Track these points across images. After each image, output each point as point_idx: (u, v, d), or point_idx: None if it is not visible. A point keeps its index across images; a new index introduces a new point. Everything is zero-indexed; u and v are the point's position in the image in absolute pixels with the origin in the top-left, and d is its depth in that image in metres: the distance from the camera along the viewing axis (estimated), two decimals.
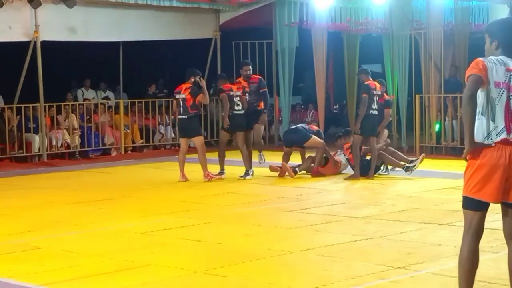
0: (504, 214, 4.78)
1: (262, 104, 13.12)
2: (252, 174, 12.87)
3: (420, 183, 11.59)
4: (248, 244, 7.53)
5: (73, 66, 19.41)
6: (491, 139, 4.63)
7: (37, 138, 15.55)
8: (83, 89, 18.64)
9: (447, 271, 5.99)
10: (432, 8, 15.94)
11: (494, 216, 8.17)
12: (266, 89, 13.26)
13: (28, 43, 15.47)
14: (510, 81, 4.64)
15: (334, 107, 24.12)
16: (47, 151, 15.73)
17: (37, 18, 15.33)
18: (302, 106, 21.51)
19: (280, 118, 19.12)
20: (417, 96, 15.95)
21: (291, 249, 7.14)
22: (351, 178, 12.23)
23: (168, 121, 18.12)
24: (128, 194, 11.32)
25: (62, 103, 16.32)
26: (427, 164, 12.87)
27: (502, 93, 4.62)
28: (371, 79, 12.52)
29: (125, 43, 18.39)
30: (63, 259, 6.98)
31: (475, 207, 4.69)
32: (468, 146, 4.64)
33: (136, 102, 17.50)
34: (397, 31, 16.44)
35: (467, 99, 4.60)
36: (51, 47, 15.80)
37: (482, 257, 6.37)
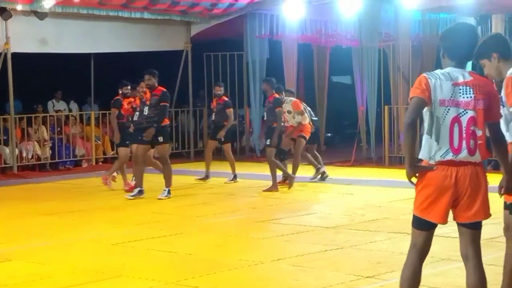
0: (460, 233, 4.61)
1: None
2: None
3: (389, 193, 11.72)
4: (219, 254, 7.58)
5: (44, 78, 19.35)
6: (434, 160, 4.43)
7: (7, 150, 15.48)
8: (53, 100, 18.59)
9: None
10: (400, 20, 16.15)
11: None
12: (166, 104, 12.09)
13: None
14: (457, 97, 4.40)
15: None
16: (17, 163, 15.66)
17: (7, 30, 15.27)
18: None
19: (251, 129, 19.21)
20: (386, 107, 16.13)
21: (262, 259, 7.19)
22: (270, 189, 12.28)
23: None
24: (99, 205, 11.32)
25: (33, 115, 16.26)
26: (396, 174, 13.03)
27: (447, 112, 4.39)
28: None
29: (96, 55, 18.38)
30: (34, 271, 6.98)
31: (421, 226, 4.52)
32: (408, 169, 4.47)
33: (107, 114, 17.49)
34: (366, 43, 16.61)
35: (407, 127, 4.43)
36: (22, 59, 15.76)
37: (451, 266, 6.55)
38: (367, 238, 8.12)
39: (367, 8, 15.80)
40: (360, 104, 16.86)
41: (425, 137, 4.47)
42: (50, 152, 16.23)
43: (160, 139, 11.81)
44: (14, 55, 15.51)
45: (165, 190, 11.85)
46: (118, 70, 19.54)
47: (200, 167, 16.54)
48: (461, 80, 4.42)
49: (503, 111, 4.84)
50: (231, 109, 13.87)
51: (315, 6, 16.64)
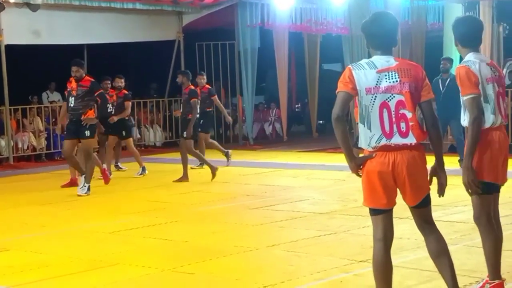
0: (412, 213, 4.68)
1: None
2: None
3: None
4: (214, 241, 7.64)
5: (38, 69, 19.37)
6: (371, 146, 4.48)
7: (2, 141, 15.55)
8: (47, 91, 18.64)
9: (408, 263, 6.20)
10: (389, 7, 16.21)
11: (453, 209, 8.51)
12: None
13: None
14: (382, 83, 4.45)
15: (296, 106, 24.38)
16: (13, 153, 15.74)
17: (0, 22, 15.34)
18: (265, 106, 21.76)
19: (243, 118, 19.31)
20: None
21: (257, 246, 7.27)
22: (181, 180, 12.36)
23: (133, 122, 18.17)
24: (94, 194, 11.37)
25: (28, 106, 16.32)
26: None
27: (374, 99, 4.43)
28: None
29: (90, 46, 18.42)
30: (31, 260, 7.03)
31: (373, 212, 4.58)
32: (348, 163, 4.56)
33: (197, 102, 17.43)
34: (356, 31, 16.70)
35: (334, 122, 4.46)
36: (16, 50, 15.81)
37: None
38: (360, 223, 8.17)
39: None
40: None
41: (360, 127, 4.54)
42: (46, 142, 16.30)
43: (87, 133, 11.20)
44: (8, 47, 15.55)
45: (85, 186, 11.21)
46: (111, 60, 19.61)
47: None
48: (385, 66, 4.46)
49: (461, 99, 5.02)
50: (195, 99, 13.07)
51: None
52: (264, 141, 19.40)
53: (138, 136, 18.18)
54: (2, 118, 15.65)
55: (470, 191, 5.00)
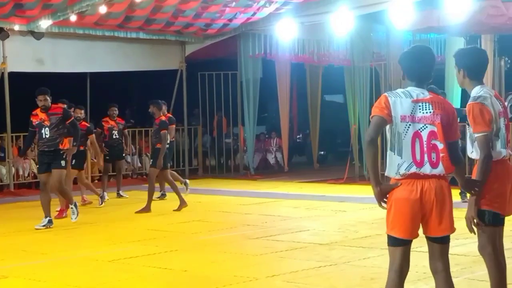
0: (429, 247, 4.67)
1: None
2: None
3: (382, 210, 11.75)
4: (214, 271, 7.63)
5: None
6: (399, 174, 4.51)
7: (3, 169, 15.57)
8: None
9: None
10: (391, 40, 16.36)
11: (454, 241, 8.45)
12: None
13: None
14: (417, 112, 4.52)
15: (298, 136, 24.43)
16: (14, 180, 15.75)
17: (4, 49, 15.48)
18: (266, 136, 21.81)
19: (245, 148, 19.34)
20: None
21: (257, 276, 7.26)
22: (142, 211, 12.29)
23: (134, 151, 18.24)
24: (95, 222, 11.39)
25: None
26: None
27: (408, 127, 4.50)
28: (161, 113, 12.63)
29: (92, 74, 18.53)
30: None
31: (394, 243, 4.57)
32: (374, 188, 4.57)
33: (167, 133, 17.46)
34: (358, 63, 16.80)
35: (367, 145, 4.57)
36: (19, 78, 15.91)
37: None
38: (360, 255, 8.18)
39: (358, 28, 16.00)
40: (353, 122, 17.02)
41: (389, 154, 4.58)
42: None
43: (62, 163, 10.73)
44: (11, 74, 15.67)
45: (45, 219, 10.75)
46: (114, 89, 19.71)
47: (194, 185, 16.67)
48: (420, 97, 4.55)
49: (468, 130, 5.07)
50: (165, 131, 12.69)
51: (308, 26, 16.84)
52: (265, 171, 19.41)
53: (139, 164, 18.21)
54: (3, 145, 15.68)
55: (467, 226, 5.03)
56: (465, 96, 15.85)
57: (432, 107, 4.52)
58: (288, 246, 8.91)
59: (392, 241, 4.58)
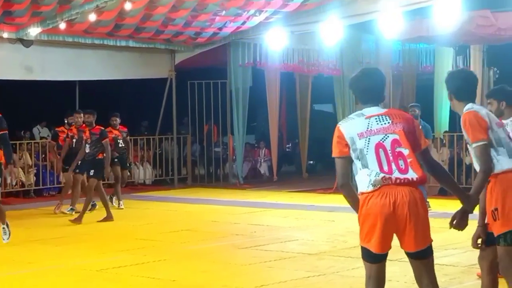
0: (410, 263, 4.57)
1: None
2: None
3: None
4: (203, 280, 7.63)
5: (30, 104, 19.42)
6: (371, 184, 4.41)
7: None
8: (38, 127, 18.64)
9: None
10: (381, 50, 16.43)
11: (442, 252, 8.51)
12: None
13: None
14: (374, 126, 4.48)
15: (287, 145, 24.46)
16: (2, 189, 15.64)
17: None
18: (256, 145, 21.81)
19: (234, 157, 19.34)
20: None
21: (246, 285, 7.27)
22: (105, 219, 12.26)
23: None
24: (83, 231, 11.35)
25: (17, 142, 16.30)
26: None
27: (369, 141, 4.45)
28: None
29: (82, 82, 18.49)
30: None
31: (367, 258, 4.51)
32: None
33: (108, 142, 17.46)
34: (348, 72, 16.80)
35: (341, 188, 4.55)
36: (8, 85, 15.86)
37: None
38: (349, 265, 8.19)
39: (348, 38, 16.05)
40: None
41: (358, 174, 4.50)
42: (35, 178, 16.24)
43: None
44: (0, 82, 15.62)
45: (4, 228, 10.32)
46: (103, 97, 19.66)
47: (184, 194, 16.68)
48: (374, 113, 4.55)
49: (469, 147, 5.03)
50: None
51: (298, 36, 16.87)
52: (254, 181, 19.41)
53: (128, 174, 18.13)
54: None
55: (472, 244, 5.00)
56: None
57: (389, 118, 4.52)
58: (277, 256, 8.92)
59: (367, 257, 4.51)
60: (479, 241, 5.25)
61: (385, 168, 4.40)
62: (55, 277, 7.97)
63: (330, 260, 8.58)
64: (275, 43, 16.92)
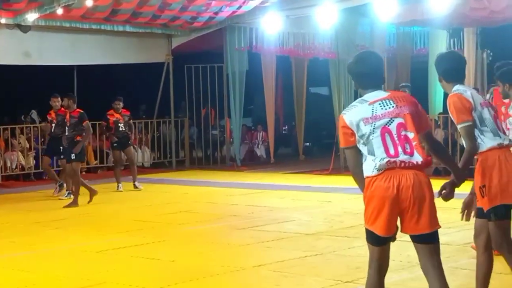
0: (415, 248, 4.50)
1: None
2: None
3: None
4: (201, 261, 7.70)
5: (29, 90, 19.47)
6: (376, 168, 4.37)
7: None
8: (37, 110, 18.72)
9: (393, 285, 6.19)
10: (376, 33, 16.49)
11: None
12: None
13: None
14: (378, 111, 4.44)
15: (283, 128, 24.56)
16: (1, 173, 15.79)
17: None
18: (252, 128, 21.92)
19: (231, 139, 19.45)
20: None
21: (244, 266, 7.34)
22: (70, 205, 12.20)
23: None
24: (83, 213, 11.46)
25: (17, 126, 16.39)
26: None
27: (374, 126, 4.40)
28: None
29: (80, 67, 18.55)
30: (18, 279, 7.07)
31: (372, 240, 4.48)
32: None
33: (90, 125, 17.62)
34: (343, 55, 16.88)
35: (353, 176, 4.56)
36: (6, 71, 15.93)
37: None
38: (346, 244, 8.26)
39: (343, 21, 16.10)
40: (338, 114, 17.15)
41: (365, 161, 4.48)
42: (34, 162, 16.35)
43: None
44: None
45: None
46: (101, 82, 19.73)
47: (181, 176, 16.80)
48: (377, 97, 4.49)
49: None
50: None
51: (293, 20, 16.92)
52: (251, 163, 19.53)
53: (133, 152, 18.27)
54: None
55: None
56: None
57: (393, 101, 4.46)
58: (275, 236, 9.00)
59: (371, 239, 4.48)
60: (473, 213, 5.32)
61: (391, 151, 4.37)
62: (56, 259, 8.03)
63: (327, 240, 8.64)
64: (270, 27, 16.99)
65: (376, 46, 16.31)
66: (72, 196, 12.56)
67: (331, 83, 17.79)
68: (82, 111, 12.70)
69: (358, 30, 17.34)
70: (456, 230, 8.62)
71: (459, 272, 6.59)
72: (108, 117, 14.53)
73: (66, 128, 12.65)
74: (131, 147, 14.95)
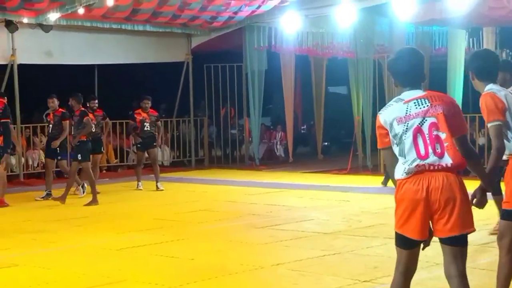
0: (442, 251, 4.43)
1: None
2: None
3: (385, 200, 11.73)
4: (220, 259, 7.72)
5: (50, 89, 19.61)
6: (405, 172, 4.34)
7: (13, 159, 15.76)
8: None
9: (412, 284, 6.10)
10: (394, 32, 16.45)
11: None
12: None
13: (5, 66, 15.78)
14: (412, 110, 4.37)
15: (302, 127, 24.58)
16: (23, 171, 15.95)
17: (14, 42, 15.67)
18: (271, 127, 21.96)
19: (250, 139, 19.51)
20: None
21: (262, 264, 7.36)
22: (90, 203, 12.31)
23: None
24: (103, 212, 11.55)
25: (38, 124, 16.56)
26: (391, 182, 13.23)
27: (407, 126, 4.34)
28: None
29: (100, 66, 18.69)
30: (39, 276, 7.13)
31: (402, 244, 4.42)
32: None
33: (111, 123, 17.74)
34: (362, 55, 16.88)
35: (390, 175, 4.57)
36: (28, 70, 16.09)
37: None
38: (364, 244, 8.26)
39: (362, 21, 16.09)
40: (356, 113, 17.16)
41: (397, 163, 4.46)
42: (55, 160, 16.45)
43: None
44: (20, 66, 15.85)
45: None
46: (121, 81, 19.85)
47: (201, 175, 16.87)
48: (412, 97, 4.42)
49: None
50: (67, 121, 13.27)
51: (312, 19, 16.93)
52: (270, 162, 19.57)
53: (146, 155, 18.37)
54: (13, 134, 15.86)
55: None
56: (467, 88, 16.00)
57: (428, 100, 4.37)
58: (293, 235, 9.01)
59: (400, 242, 4.42)
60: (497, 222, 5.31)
61: (422, 152, 4.30)
62: (76, 256, 8.08)
63: (345, 239, 8.63)
64: (289, 26, 17.01)
65: (395, 45, 16.23)
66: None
67: (350, 82, 17.78)
68: (64, 111, 13.00)
69: (377, 30, 17.32)
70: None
71: (478, 273, 6.57)
72: (135, 115, 14.51)
73: (73, 128, 12.85)
74: (156, 148, 14.87)
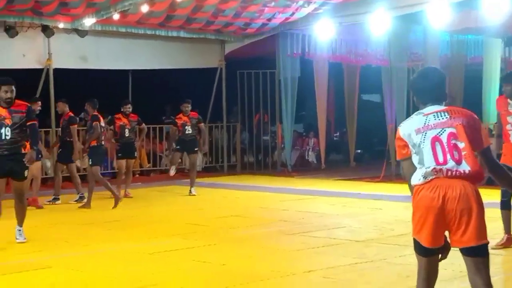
0: (464, 262, 4.42)
1: None
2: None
3: None
4: (252, 265, 7.72)
5: (85, 93, 19.80)
6: (423, 177, 4.35)
7: (48, 162, 15.90)
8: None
9: None
10: (429, 41, 16.37)
11: (495, 241, 8.50)
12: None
13: (41, 70, 15.97)
14: (431, 121, 4.40)
15: (335, 134, 24.53)
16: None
17: (50, 47, 15.86)
18: (304, 133, 21.95)
19: (282, 145, 19.52)
20: None
21: (294, 271, 7.34)
22: (84, 206, 12.52)
23: (174, 146, 18.47)
24: (135, 216, 11.63)
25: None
26: None
27: (425, 135, 4.37)
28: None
29: (134, 71, 18.84)
30: (72, 278, 7.20)
31: (419, 251, 4.44)
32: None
33: (146, 129, 17.78)
34: (395, 63, 16.80)
35: (409, 186, 4.51)
36: (63, 74, 16.27)
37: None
38: (396, 252, 8.21)
39: (396, 29, 16.02)
40: (389, 121, 17.07)
41: (416, 170, 4.47)
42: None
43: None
44: (56, 70, 16.04)
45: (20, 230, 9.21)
46: (154, 86, 19.99)
47: (233, 180, 16.89)
48: (432, 110, 4.47)
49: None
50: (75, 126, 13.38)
51: (346, 27, 16.90)
52: (302, 169, 19.55)
53: (179, 160, 18.48)
54: (48, 139, 16.03)
55: None
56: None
57: (448, 113, 4.42)
58: (325, 242, 9.00)
59: (418, 249, 4.45)
60: None
61: (440, 158, 4.32)
62: (108, 259, 8.14)
63: (378, 247, 8.60)
64: (323, 34, 17.00)
65: (429, 53, 16.20)
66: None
67: (383, 90, 17.71)
68: (72, 115, 13.19)
69: (411, 38, 17.25)
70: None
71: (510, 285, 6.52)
72: (176, 120, 14.57)
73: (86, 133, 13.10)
74: (196, 154, 14.88)
